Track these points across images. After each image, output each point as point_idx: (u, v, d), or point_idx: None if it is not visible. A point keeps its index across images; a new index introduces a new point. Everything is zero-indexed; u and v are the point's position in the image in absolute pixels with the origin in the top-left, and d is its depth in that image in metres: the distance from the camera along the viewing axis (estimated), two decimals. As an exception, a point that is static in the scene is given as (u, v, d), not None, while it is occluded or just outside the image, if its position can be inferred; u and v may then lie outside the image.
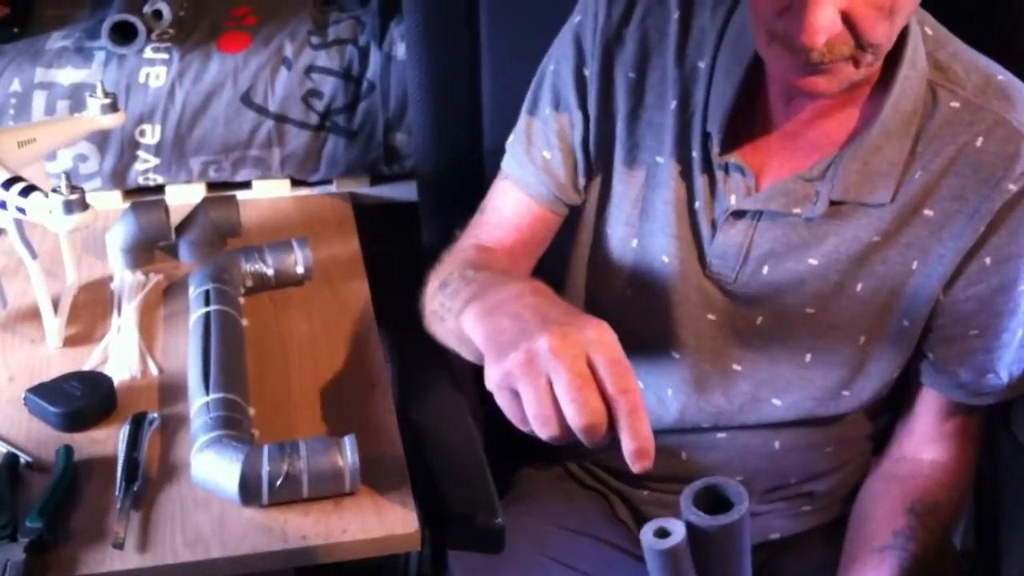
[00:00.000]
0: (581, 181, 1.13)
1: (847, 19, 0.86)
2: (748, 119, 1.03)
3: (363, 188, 1.61)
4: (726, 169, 1.04)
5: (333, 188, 1.60)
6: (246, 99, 1.52)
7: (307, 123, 1.54)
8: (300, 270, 1.33)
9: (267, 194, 1.58)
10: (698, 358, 1.11)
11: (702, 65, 1.04)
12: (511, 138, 1.18)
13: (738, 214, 1.04)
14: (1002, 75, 1.01)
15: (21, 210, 1.12)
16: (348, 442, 1.00)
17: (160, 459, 1.05)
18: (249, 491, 0.97)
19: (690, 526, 0.73)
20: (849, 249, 1.03)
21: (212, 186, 1.58)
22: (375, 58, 1.54)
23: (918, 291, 1.04)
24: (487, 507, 1.05)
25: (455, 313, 0.95)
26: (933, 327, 1.06)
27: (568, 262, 1.19)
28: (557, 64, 1.12)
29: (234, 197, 1.43)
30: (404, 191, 1.60)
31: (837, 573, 1.10)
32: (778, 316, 1.07)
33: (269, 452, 0.98)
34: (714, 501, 0.75)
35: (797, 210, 1.02)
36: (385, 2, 1.57)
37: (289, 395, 1.15)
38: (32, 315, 1.24)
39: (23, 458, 1.03)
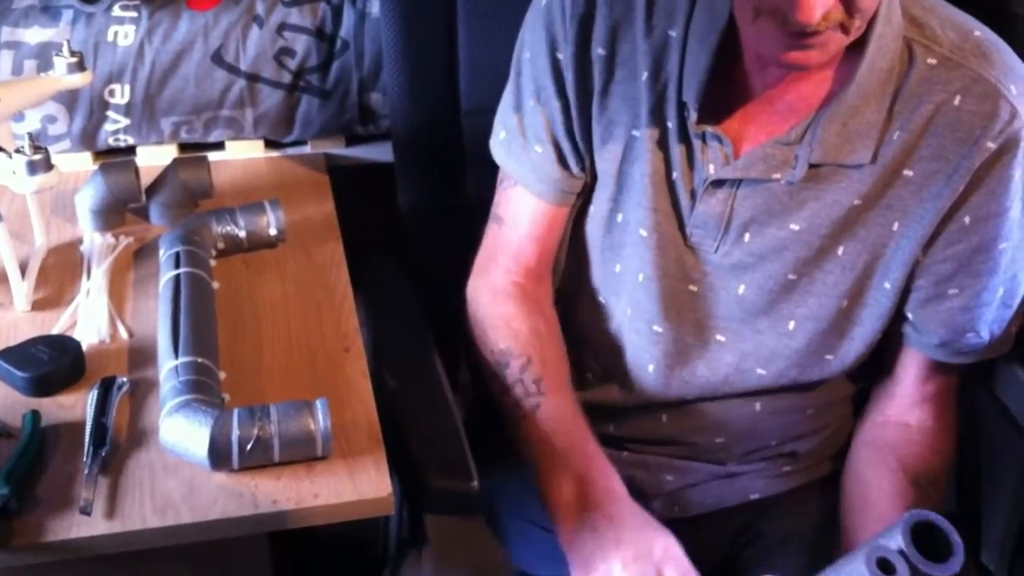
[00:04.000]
0: (575, 168, 1.13)
1: None
2: (723, 86, 1.02)
3: (338, 149, 1.59)
4: (703, 138, 1.04)
5: (307, 149, 1.58)
6: (217, 58, 1.48)
7: (280, 83, 1.51)
8: (273, 232, 1.30)
9: (240, 155, 1.56)
10: (680, 331, 1.11)
11: (673, 34, 1.03)
12: (503, 134, 1.18)
13: (717, 183, 1.04)
14: (979, 31, 0.99)
15: (-16, 171, 1.10)
16: (320, 406, 0.98)
17: (129, 424, 1.04)
18: (219, 455, 0.95)
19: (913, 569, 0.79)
20: (830, 213, 1.02)
21: (184, 147, 1.56)
22: (348, 15, 1.51)
23: (899, 253, 1.03)
24: (463, 471, 1.04)
25: (515, 418, 1.12)
26: (913, 288, 1.06)
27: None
28: (532, 52, 1.12)
29: (205, 158, 1.40)
30: (380, 152, 1.58)
31: (840, 543, 1.10)
32: (761, 284, 1.07)
33: (239, 416, 0.96)
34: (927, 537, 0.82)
35: (777, 176, 1.02)
36: (358, -42, 1.54)
37: (261, 359, 1.13)
38: (0, 278, 1.22)
39: (-12, 423, 1.01)
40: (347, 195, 1.49)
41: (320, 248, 1.33)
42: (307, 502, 0.95)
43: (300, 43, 1.50)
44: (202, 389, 1.01)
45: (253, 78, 1.50)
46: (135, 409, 1.05)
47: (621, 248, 1.13)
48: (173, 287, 1.14)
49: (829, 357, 1.10)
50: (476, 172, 1.28)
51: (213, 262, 1.26)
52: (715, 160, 1.04)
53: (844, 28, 0.89)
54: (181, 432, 0.97)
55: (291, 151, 1.58)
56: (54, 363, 1.08)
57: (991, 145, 0.97)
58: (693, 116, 1.02)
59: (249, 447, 0.95)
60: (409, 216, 1.45)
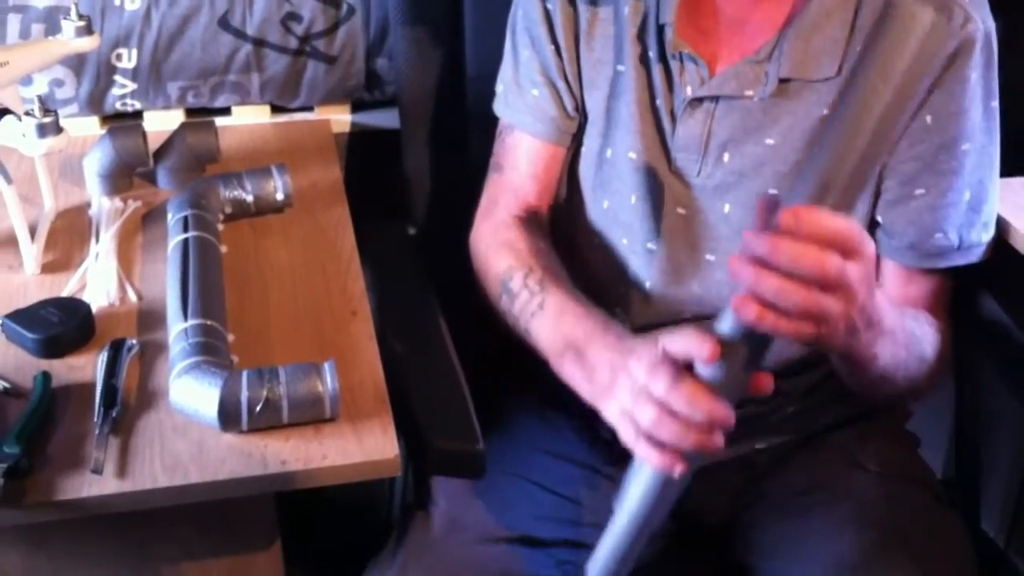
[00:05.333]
0: (570, 108, 1.20)
1: None
2: (697, 11, 1.09)
3: (344, 115, 1.59)
4: (681, 60, 1.10)
5: (314, 115, 1.58)
6: (223, 22, 1.49)
7: (286, 48, 1.51)
8: (280, 197, 1.31)
9: (246, 120, 1.56)
10: (673, 251, 1.15)
11: None
12: (500, 88, 1.25)
13: (695, 104, 1.10)
14: None
15: (-6, 134, 1.10)
16: (328, 368, 0.99)
17: (139, 386, 1.05)
18: (228, 416, 0.97)
19: None
20: (802, 126, 1.07)
21: (191, 112, 1.56)
22: (355, -19, 1.51)
23: (871, 160, 1.05)
24: (468, 432, 1.05)
25: (524, 323, 1.12)
26: (882, 190, 1.09)
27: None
28: (524, 6, 1.20)
29: (212, 122, 1.40)
30: (386, 118, 1.58)
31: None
32: (744, 202, 1.11)
33: (248, 377, 0.98)
34: None
35: (749, 92, 1.07)
36: (365, -78, 1.54)
37: (268, 322, 1.14)
38: (9, 241, 1.22)
39: (0, 384, 1.02)
40: (353, 160, 1.50)
41: (326, 213, 1.34)
42: (315, 463, 0.96)
43: (307, 8, 1.50)
44: (211, 351, 1.02)
45: (259, 43, 1.50)
46: (144, 371, 1.07)
47: (612, 181, 1.17)
48: (182, 251, 1.15)
49: None
50: (481, 138, 1.29)
51: (220, 226, 1.27)
52: (692, 82, 1.09)
53: None
54: (191, 393, 0.98)
55: (297, 116, 1.58)
56: (64, 325, 1.09)
57: (951, 44, 1.00)
58: (670, 35, 1.09)
59: (258, 408, 0.96)
60: (414, 181, 1.46)
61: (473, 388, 1.12)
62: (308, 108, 1.58)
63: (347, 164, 1.47)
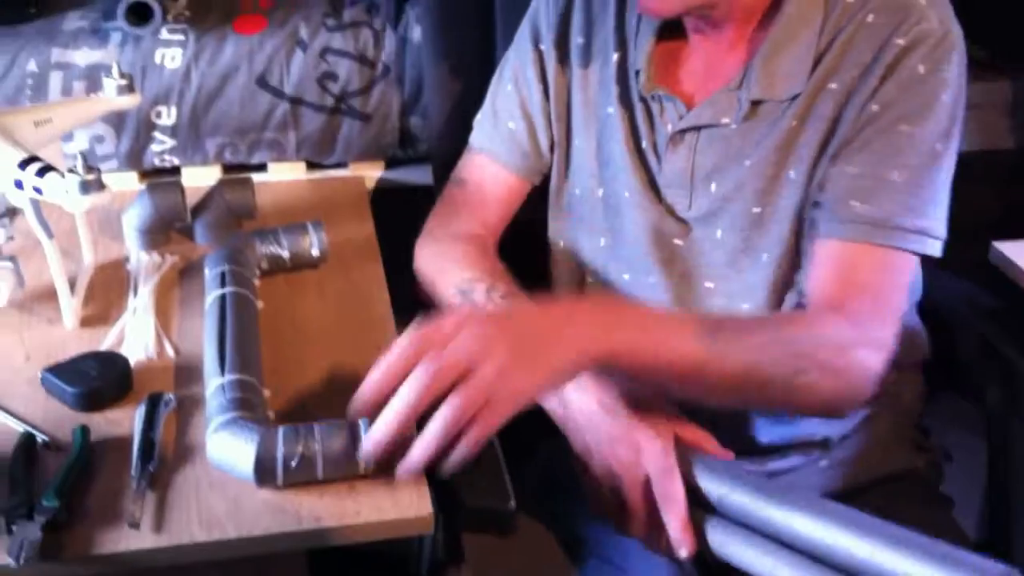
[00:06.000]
0: (544, 146, 1.27)
1: None
2: (676, 57, 1.17)
3: (378, 171, 1.62)
4: (660, 102, 1.16)
5: (348, 171, 1.61)
6: (261, 81, 1.52)
7: (322, 106, 1.54)
8: (315, 253, 1.33)
9: (282, 177, 1.59)
10: (673, 282, 1.19)
11: (634, 21, 1.19)
12: (479, 116, 1.31)
13: (677, 139, 1.16)
14: None
15: (38, 190, 1.13)
16: (362, 425, 1.00)
17: (176, 440, 1.06)
18: (264, 472, 0.97)
19: None
20: (774, 140, 1.11)
21: (228, 168, 1.59)
22: (390, 41, 1.54)
23: (827, 156, 1.10)
24: (499, 491, 1.05)
25: None
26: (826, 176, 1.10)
27: (545, 226, 1.30)
28: (517, 46, 1.27)
29: (250, 179, 1.43)
30: (419, 175, 1.61)
31: None
32: (732, 224, 1.15)
33: (284, 434, 0.99)
34: None
35: (725, 119, 1.13)
36: (400, -15, 1.57)
37: (304, 377, 1.15)
38: (49, 295, 1.24)
39: (40, 437, 1.04)
40: (387, 216, 1.52)
41: (361, 269, 1.36)
42: (349, 519, 0.96)
43: (343, 67, 1.53)
44: (248, 407, 1.03)
45: (296, 101, 1.53)
46: (181, 425, 1.08)
47: (608, 219, 1.23)
48: (219, 306, 1.17)
49: (797, 275, 1.14)
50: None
51: (257, 281, 1.28)
52: (672, 120, 1.16)
53: None
54: (227, 449, 0.99)
55: (332, 173, 1.60)
56: (102, 379, 1.10)
57: (899, 41, 1.05)
58: (643, 80, 1.16)
59: (294, 464, 0.97)
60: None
61: (510, 435, 1.12)
62: (343, 164, 1.61)
63: (380, 220, 1.49)
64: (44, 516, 0.92)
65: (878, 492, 1.22)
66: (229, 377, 1.06)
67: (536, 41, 1.25)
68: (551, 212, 1.29)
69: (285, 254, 1.32)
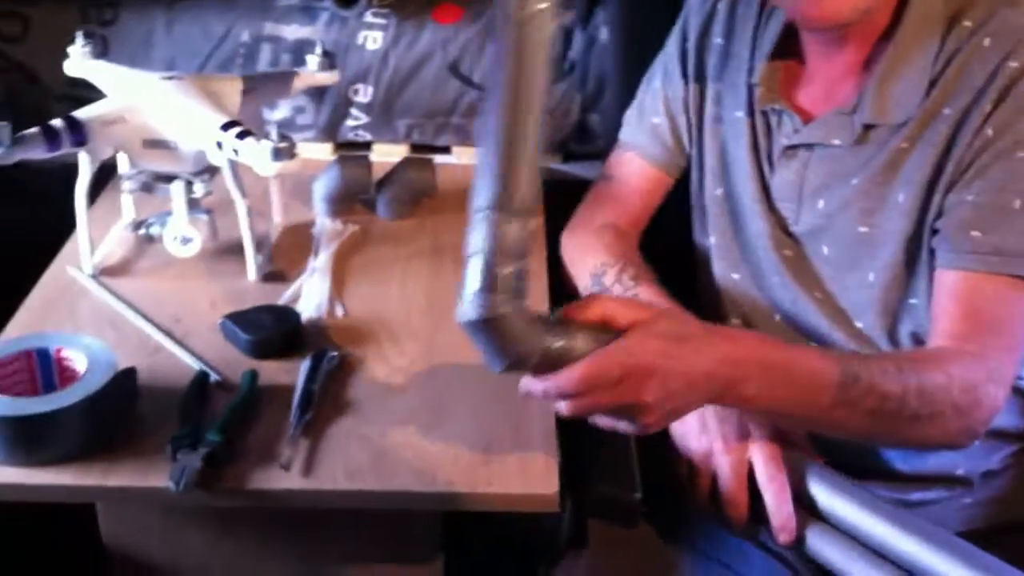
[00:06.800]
0: (684, 141, 1.32)
1: None
2: (796, 73, 1.20)
3: (555, 164, 1.66)
4: (778, 115, 1.20)
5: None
6: (453, 68, 1.59)
7: (508, 96, 1.60)
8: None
9: (464, 160, 1.65)
10: (783, 293, 1.22)
11: (760, 33, 1.23)
12: (628, 112, 1.37)
13: (789, 153, 1.19)
14: None
15: (235, 152, 1.22)
16: None
17: (333, 394, 1.13)
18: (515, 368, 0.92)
19: None
20: (881, 160, 1.12)
21: (414, 147, 1.67)
22: (578, 39, 1.58)
23: (943, 184, 1.09)
24: (628, 481, 1.09)
25: None
26: (944, 204, 1.10)
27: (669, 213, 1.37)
28: (669, 42, 1.34)
29: (432, 160, 1.50)
30: (594, 170, 1.64)
31: None
32: (840, 242, 1.17)
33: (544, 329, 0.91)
34: None
35: (836, 140, 1.15)
36: (595, -15, 1.61)
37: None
38: (238, 249, 1.34)
39: (213, 376, 1.13)
40: (559, 208, 1.56)
41: (525, 256, 1.41)
42: (480, 488, 1.01)
43: (531, 60, 1.58)
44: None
45: (484, 90, 1.59)
46: (340, 381, 1.15)
47: (725, 219, 1.28)
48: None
49: (913, 301, 1.14)
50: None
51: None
52: (787, 133, 1.19)
53: None
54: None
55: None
56: (275, 330, 1.19)
57: (1013, 64, 1.05)
58: (759, 94, 1.20)
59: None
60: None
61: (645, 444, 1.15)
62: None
63: (553, 211, 1.53)
64: (206, 448, 1.00)
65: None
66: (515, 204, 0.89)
67: (683, 39, 1.31)
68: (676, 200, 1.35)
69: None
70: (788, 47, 1.20)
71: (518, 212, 0.87)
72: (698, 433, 1.05)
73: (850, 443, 1.20)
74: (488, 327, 0.88)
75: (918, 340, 1.15)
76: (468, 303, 0.88)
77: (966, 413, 1.01)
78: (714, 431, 1.04)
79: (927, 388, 0.99)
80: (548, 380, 0.91)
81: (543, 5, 0.85)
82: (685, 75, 1.31)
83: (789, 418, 1.01)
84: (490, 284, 0.87)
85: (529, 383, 0.93)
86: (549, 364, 0.90)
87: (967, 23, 1.09)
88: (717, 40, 1.27)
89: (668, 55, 1.33)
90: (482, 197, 0.88)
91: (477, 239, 0.88)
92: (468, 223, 0.89)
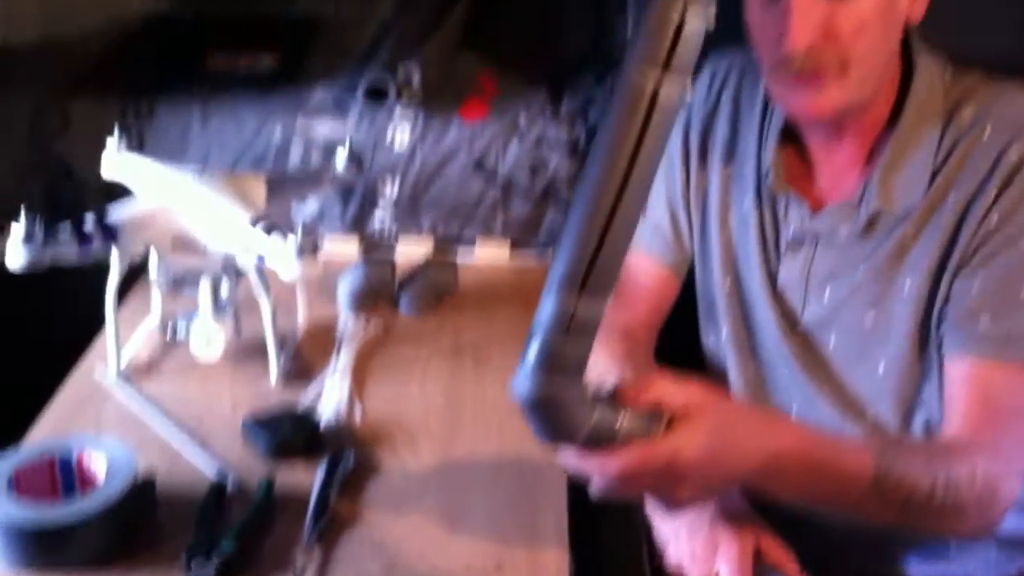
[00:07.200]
0: (685, 236, 1.32)
1: (827, 30, 1.03)
2: (804, 161, 1.20)
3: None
4: (786, 202, 1.20)
5: (550, 254, 1.68)
6: (478, 165, 1.62)
7: (531, 191, 1.63)
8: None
9: (488, 254, 1.67)
10: (793, 386, 1.22)
11: (769, 120, 1.23)
12: None
13: (797, 243, 1.19)
14: (1012, 87, 1.12)
15: (260, 253, 1.24)
16: None
17: (348, 498, 1.14)
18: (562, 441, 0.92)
19: None
20: (888, 248, 1.13)
21: (439, 240, 1.69)
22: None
23: (949, 272, 1.10)
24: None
25: None
26: (950, 291, 1.10)
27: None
28: (672, 136, 1.31)
29: (455, 263, 1.53)
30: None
31: None
32: (846, 332, 1.17)
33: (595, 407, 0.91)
34: None
35: (842, 231, 1.16)
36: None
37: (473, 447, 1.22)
38: (261, 348, 1.36)
39: (231, 482, 1.15)
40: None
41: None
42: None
43: (554, 156, 1.61)
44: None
45: (508, 186, 1.62)
46: (356, 484, 1.16)
47: (735, 311, 1.27)
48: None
49: (926, 390, 1.14)
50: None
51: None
52: (795, 222, 1.19)
53: (842, 74, 1.05)
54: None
55: (534, 255, 1.68)
56: (294, 433, 1.21)
57: (1015, 155, 1.06)
58: (771, 179, 1.19)
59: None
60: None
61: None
62: (545, 247, 1.68)
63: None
64: (220, 558, 1.01)
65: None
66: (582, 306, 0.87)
67: (686, 133, 1.30)
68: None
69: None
70: (794, 136, 1.20)
71: (591, 291, 0.85)
72: (674, 542, 1.07)
73: (870, 549, 1.19)
74: (539, 406, 0.88)
75: (931, 429, 1.15)
76: (524, 378, 0.87)
77: (986, 506, 1.02)
78: (684, 545, 1.05)
79: (953, 481, 0.99)
80: (590, 461, 0.90)
81: (677, 87, 0.82)
82: (688, 169, 1.30)
83: (818, 505, 1.03)
84: (547, 362, 0.86)
85: (569, 457, 0.92)
86: (595, 441, 0.89)
87: (967, 113, 1.10)
88: (722, 131, 1.27)
89: (670, 149, 1.32)
90: (558, 270, 0.86)
91: (544, 313, 0.86)
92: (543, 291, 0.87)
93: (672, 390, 0.91)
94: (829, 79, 1.06)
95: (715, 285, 1.29)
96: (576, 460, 0.91)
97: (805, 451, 0.97)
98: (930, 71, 1.12)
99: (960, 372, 1.08)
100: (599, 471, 0.90)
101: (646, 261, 1.34)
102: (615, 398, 0.91)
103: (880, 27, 1.04)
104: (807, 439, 0.98)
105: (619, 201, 0.83)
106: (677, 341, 1.36)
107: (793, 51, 1.03)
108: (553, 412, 0.88)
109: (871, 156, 1.15)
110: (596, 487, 0.92)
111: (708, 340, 1.33)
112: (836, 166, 1.18)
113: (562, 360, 0.86)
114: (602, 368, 1.26)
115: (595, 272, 0.84)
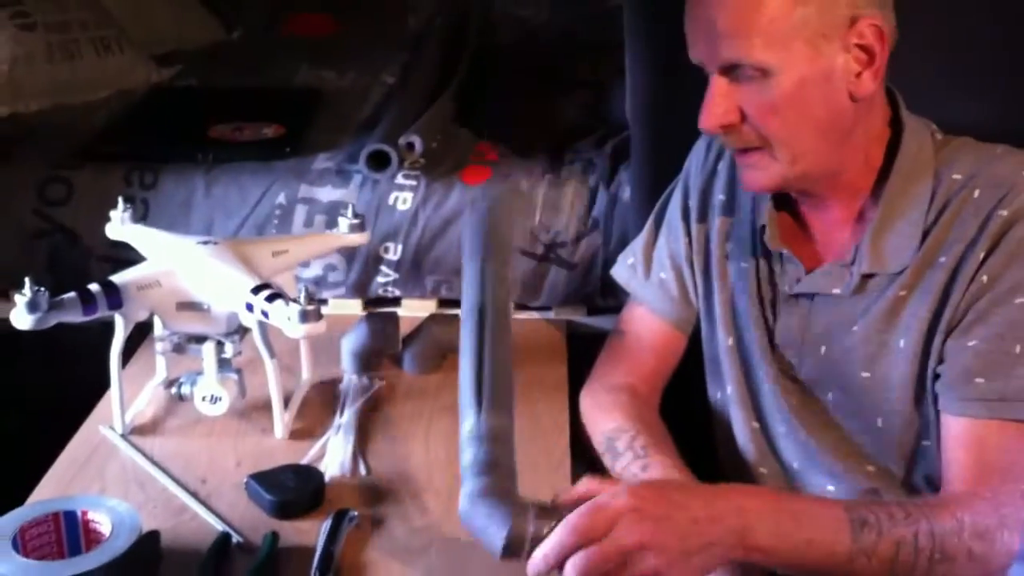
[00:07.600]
0: (691, 295, 1.35)
1: (743, 112, 1.10)
2: (794, 219, 1.24)
3: (579, 317, 1.70)
4: (780, 260, 1.23)
5: (551, 314, 1.69)
6: (480, 227, 1.64)
7: (533, 253, 1.64)
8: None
9: (490, 315, 1.69)
10: (788, 442, 1.24)
11: None
12: (630, 260, 1.40)
13: (791, 301, 1.22)
14: (1001, 149, 1.15)
15: (265, 314, 1.26)
16: None
17: (352, 556, 1.14)
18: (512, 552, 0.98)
19: None
20: (881, 307, 1.15)
21: (442, 302, 1.71)
22: (602, 197, 1.63)
23: (941, 331, 1.11)
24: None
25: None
26: (943, 350, 1.12)
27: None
28: (669, 197, 1.39)
29: (458, 318, 1.53)
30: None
31: None
32: (843, 389, 1.20)
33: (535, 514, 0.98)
34: None
35: (837, 290, 1.18)
36: (617, 148, 1.67)
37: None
38: (266, 406, 1.37)
39: (235, 538, 1.15)
40: (581, 360, 1.58)
41: (547, 409, 1.42)
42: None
43: (556, 219, 1.63)
44: (501, 471, 1.02)
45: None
46: (360, 542, 1.16)
47: (736, 369, 1.29)
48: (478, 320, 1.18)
49: (926, 443, 1.15)
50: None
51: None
52: (790, 280, 1.22)
53: (772, 156, 1.11)
54: (482, 517, 0.99)
55: (536, 314, 1.69)
56: (298, 491, 1.21)
57: (1003, 213, 1.09)
58: (767, 236, 1.22)
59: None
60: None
61: None
62: (547, 307, 1.70)
63: (576, 363, 1.56)
64: (226, 615, 1.01)
65: None
66: (485, 422, 1.04)
67: (685, 195, 1.35)
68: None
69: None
70: (788, 199, 1.24)
71: (489, 407, 1.02)
72: None
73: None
74: (475, 519, 0.99)
75: (932, 483, 1.16)
76: (462, 501, 0.99)
77: (981, 560, 1.00)
78: None
79: (937, 532, 0.99)
80: (543, 545, 0.94)
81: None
82: (688, 232, 1.34)
83: (808, 567, 1.00)
84: (480, 488, 0.99)
85: (531, 563, 0.95)
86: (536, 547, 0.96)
87: (957, 176, 1.13)
88: (719, 197, 1.31)
89: (672, 210, 1.37)
90: (462, 396, 1.04)
91: (466, 457, 1.02)
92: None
93: (606, 486, 0.98)
94: (758, 156, 1.13)
95: (719, 343, 1.31)
96: (535, 559, 0.95)
97: (773, 503, 0.98)
98: (918, 133, 1.16)
99: (956, 432, 1.10)
100: (555, 548, 0.93)
101: (651, 319, 1.37)
102: (554, 506, 0.98)
103: (799, 109, 1.09)
104: (772, 494, 1.02)
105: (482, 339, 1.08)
106: (686, 396, 1.36)
107: (705, 129, 1.12)
108: (492, 525, 0.96)
109: (861, 216, 1.18)
110: (568, 573, 0.93)
111: (715, 396, 1.34)
112: (827, 226, 1.21)
113: (489, 468, 1.00)
114: (609, 427, 1.27)
115: (485, 391, 1.03)
